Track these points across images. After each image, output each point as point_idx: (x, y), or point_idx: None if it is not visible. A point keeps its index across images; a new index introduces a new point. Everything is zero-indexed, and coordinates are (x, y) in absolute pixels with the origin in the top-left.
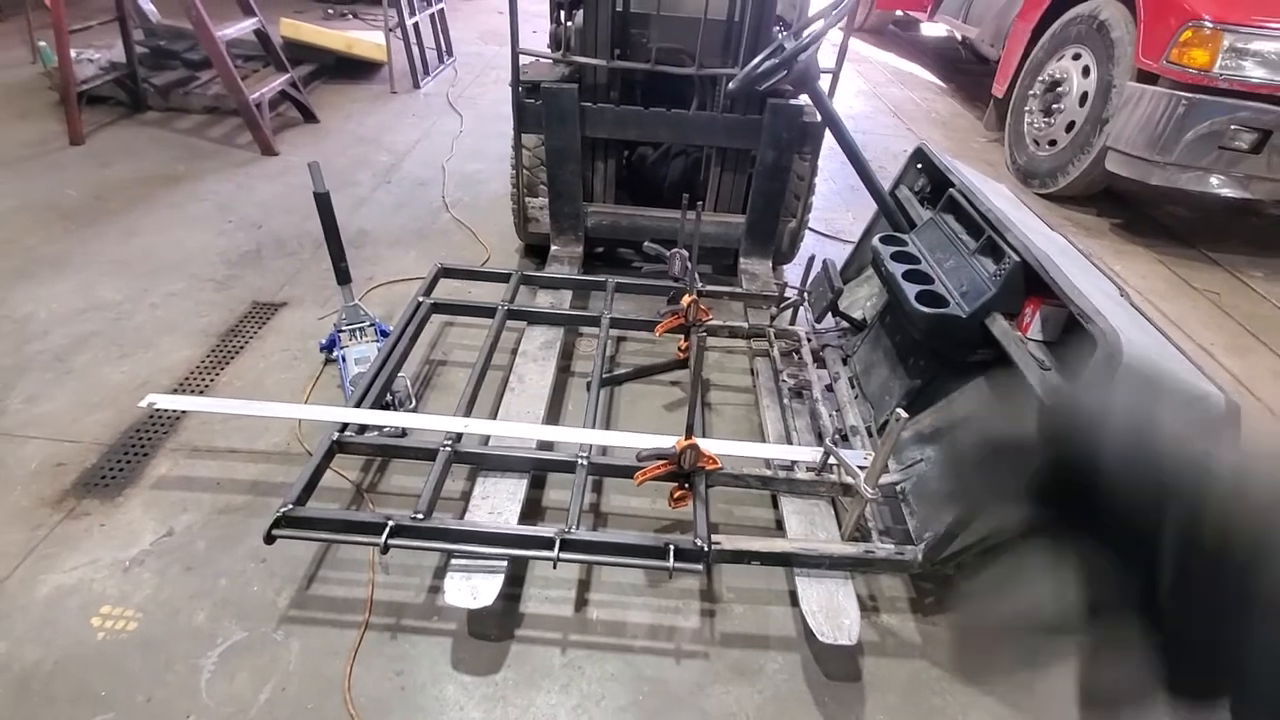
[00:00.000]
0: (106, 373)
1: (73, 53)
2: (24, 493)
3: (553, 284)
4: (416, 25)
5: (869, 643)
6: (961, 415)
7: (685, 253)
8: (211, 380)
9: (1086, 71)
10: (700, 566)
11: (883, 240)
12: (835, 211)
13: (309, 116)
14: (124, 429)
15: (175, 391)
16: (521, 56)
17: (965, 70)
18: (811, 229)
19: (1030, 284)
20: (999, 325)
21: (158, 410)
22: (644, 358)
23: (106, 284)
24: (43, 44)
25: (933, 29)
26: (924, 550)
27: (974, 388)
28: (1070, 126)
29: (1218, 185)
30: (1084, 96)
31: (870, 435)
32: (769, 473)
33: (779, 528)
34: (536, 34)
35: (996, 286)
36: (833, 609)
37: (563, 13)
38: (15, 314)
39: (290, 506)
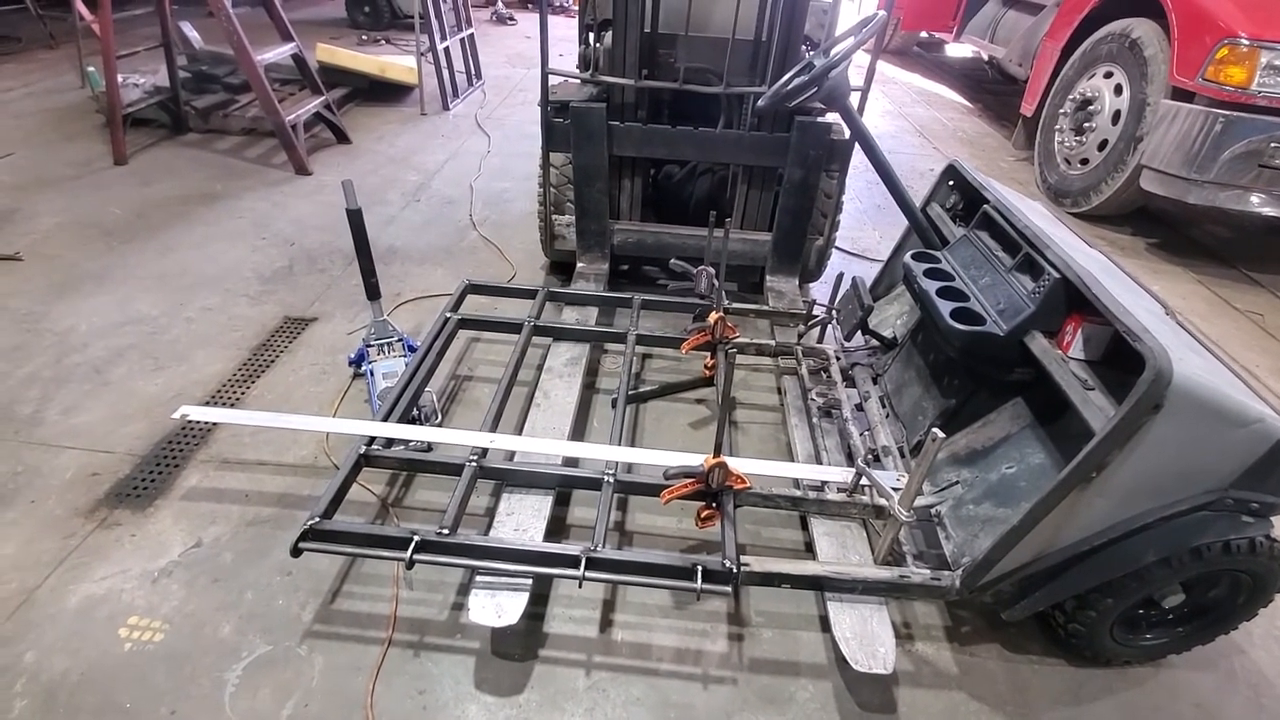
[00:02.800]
0: (142, 385)
1: (119, 77)
2: (58, 502)
3: (579, 300)
4: (447, 50)
5: (903, 672)
6: (999, 436)
7: (711, 270)
8: (243, 393)
9: (1119, 89)
10: (729, 588)
11: (915, 257)
12: (861, 230)
13: (342, 137)
14: (157, 440)
15: (207, 404)
16: (550, 77)
17: (992, 90)
18: (837, 247)
19: (1071, 301)
20: (1039, 343)
21: (190, 422)
22: (669, 375)
23: (144, 298)
24: (91, 69)
25: (958, 49)
26: (961, 576)
27: (1012, 408)
28: (1103, 145)
29: (1258, 204)
30: (1117, 114)
31: (903, 456)
32: (799, 493)
33: (808, 550)
34: (563, 57)
35: (1035, 304)
36: (867, 636)
37: (592, 34)
38: (57, 327)
39: (317, 520)
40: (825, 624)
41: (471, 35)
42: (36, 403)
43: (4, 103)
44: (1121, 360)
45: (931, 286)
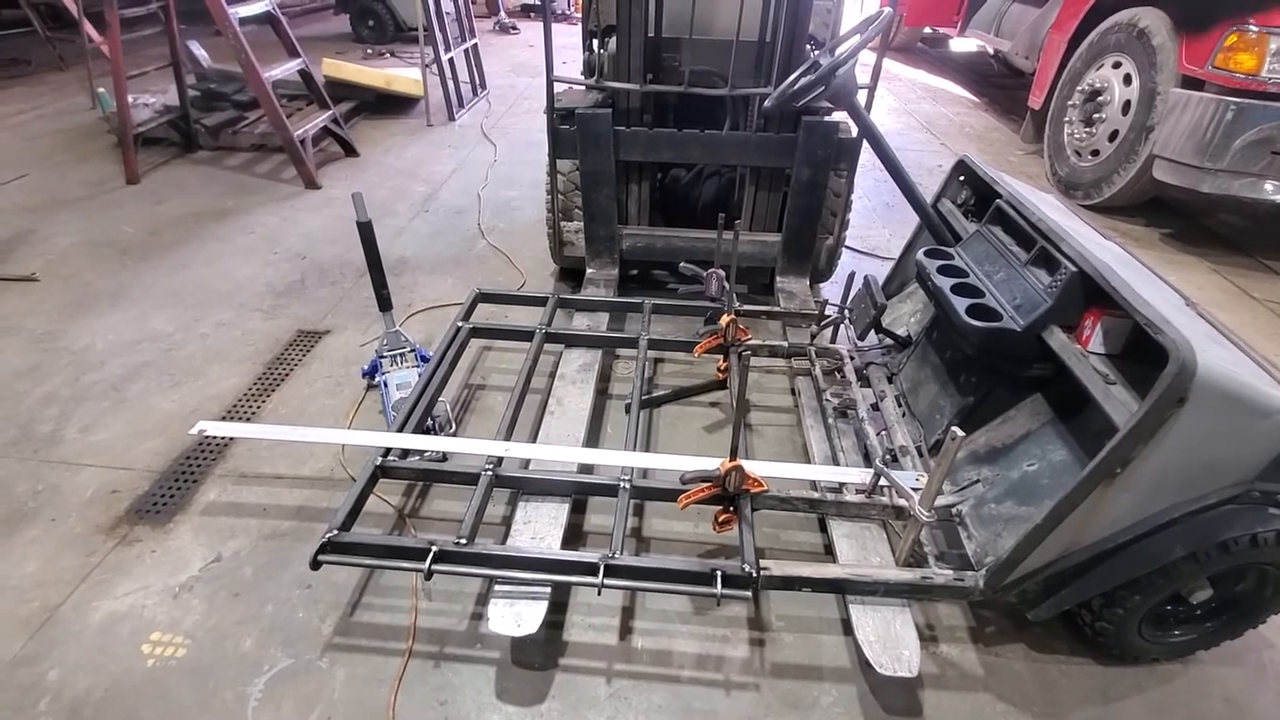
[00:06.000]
0: (158, 401)
1: (129, 98)
2: (79, 519)
3: (589, 306)
4: (451, 61)
5: (928, 675)
6: (1019, 433)
7: (722, 273)
8: (258, 407)
9: (1128, 79)
10: (749, 593)
11: (928, 254)
12: (871, 228)
13: (350, 151)
14: (175, 456)
15: (224, 418)
16: (555, 84)
17: (998, 84)
18: (847, 246)
19: (1089, 295)
20: (1057, 338)
21: (207, 437)
22: (682, 379)
23: (160, 315)
24: (101, 90)
25: (962, 44)
26: (985, 576)
27: (1031, 404)
28: (1113, 136)
29: (1272, 191)
30: (1126, 105)
31: (921, 455)
32: (816, 495)
33: (827, 552)
34: (566, 64)
35: (1052, 298)
36: (890, 639)
37: (595, 40)
38: (74, 345)
39: (335, 532)
40: (847, 627)
41: (475, 46)
42: (55, 421)
43: (17, 125)
44: (1142, 353)
45: (946, 283)
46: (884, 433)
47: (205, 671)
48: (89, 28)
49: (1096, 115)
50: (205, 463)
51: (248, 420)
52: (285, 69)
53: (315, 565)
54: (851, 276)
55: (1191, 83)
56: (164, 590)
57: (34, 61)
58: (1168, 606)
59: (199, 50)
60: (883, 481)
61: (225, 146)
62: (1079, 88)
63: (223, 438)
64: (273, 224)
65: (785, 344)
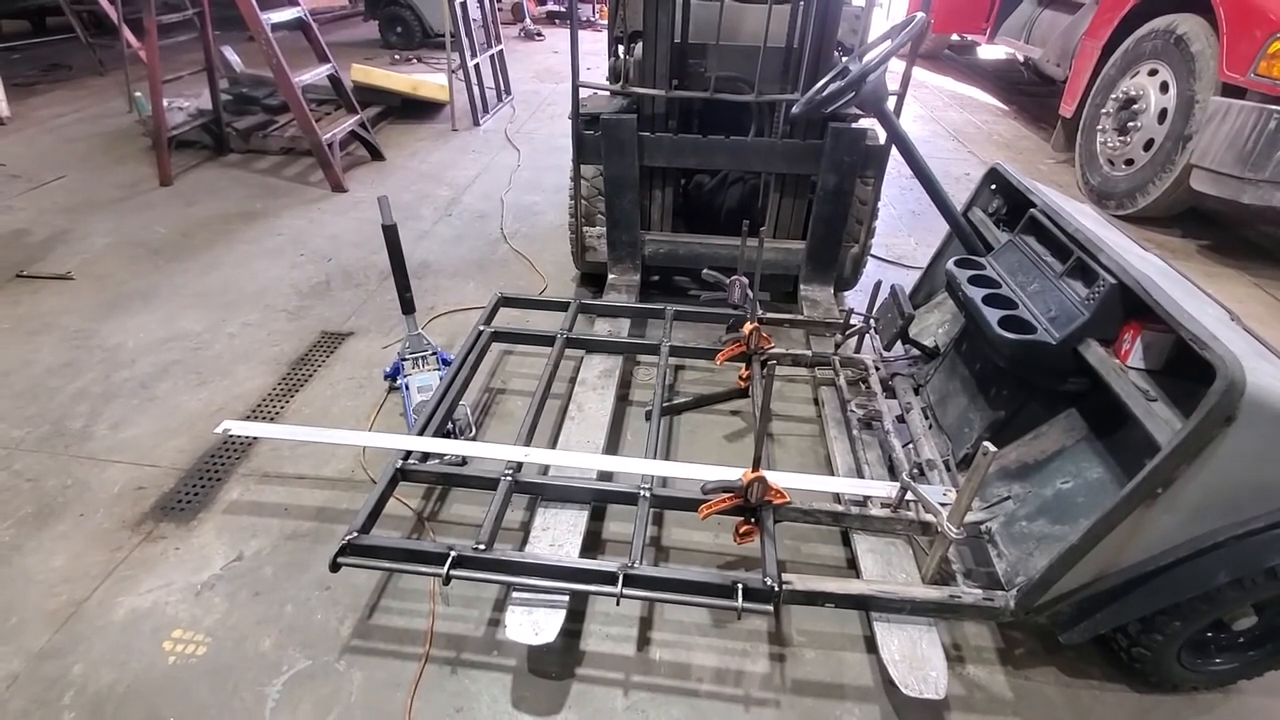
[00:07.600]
0: (185, 400)
1: (164, 101)
2: (106, 515)
3: (611, 312)
4: (477, 67)
5: (954, 697)
6: (1053, 449)
7: (745, 280)
8: (282, 407)
9: (1165, 87)
10: (770, 607)
11: (958, 264)
12: (896, 236)
13: (376, 155)
14: (200, 454)
15: (248, 418)
16: (580, 89)
17: (1027, 91)
18: (872, 255)
19: (1128, 308)
20: (1094, 353)
21: (232, 436)
22: (702, 386)
23: (189, 315)
24: (138, 94)
25: (991, 51)
26: (1017, 597)
27: (1065, 419)
28: (1149, 145)
29: None
30: (1163, 113)
31: (949, 469)
32: (840, 508)
33: (850, 566)
34: (590, 70)
35: (1090, 311)
36: (916, 659)
37: (621, 47)
38: (106, 344)
39: (355, 535)
40: (870, 644)
41: (501, 52)
42: (86, 418)
43: (57, 127)
44: (1184, 368)
45: (978, 294)
46: (910, 445)
47: (225, 671)
48: (128, 34)
49: (1131, 124)
50: (229, 461)
51: (271, 420)
52: (315, 74)
53: (335, 567)
54: (878, 285)
55: (1232, 90)
56: (186, 588)
57: (75, 66)
58: (1209, 633)
59: (232, 55)
60: (909, 496)
61: (255, 150)
62: (1113, 95)
63: (247, 437)
64: (300, 226)
65: (809, 353)
